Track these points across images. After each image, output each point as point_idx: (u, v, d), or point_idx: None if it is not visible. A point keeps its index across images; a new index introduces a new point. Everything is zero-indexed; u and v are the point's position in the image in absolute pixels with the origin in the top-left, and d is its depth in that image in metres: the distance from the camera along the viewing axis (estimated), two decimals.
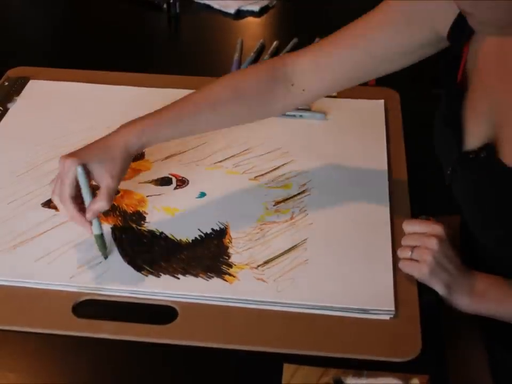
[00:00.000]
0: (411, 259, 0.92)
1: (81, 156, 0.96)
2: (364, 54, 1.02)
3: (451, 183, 0.99)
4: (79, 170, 0.93)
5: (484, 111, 0.93)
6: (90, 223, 0.96)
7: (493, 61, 0.93)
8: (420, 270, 0.91)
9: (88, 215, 0.95)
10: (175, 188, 1.11)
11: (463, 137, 0.95)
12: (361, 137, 1.22)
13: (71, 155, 0.96)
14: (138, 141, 0.98)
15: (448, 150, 0.98)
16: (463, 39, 0.95)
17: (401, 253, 0.94)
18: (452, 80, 1.00)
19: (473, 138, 0.94)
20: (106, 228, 1.03)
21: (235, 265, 0.98)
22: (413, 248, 0.92)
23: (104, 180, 0.95)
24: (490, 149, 0.91)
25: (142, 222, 1.04)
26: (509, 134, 0.90)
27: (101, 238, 0.97)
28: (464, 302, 0.92)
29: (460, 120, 0.96)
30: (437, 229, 0.92)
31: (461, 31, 0.94)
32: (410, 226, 0.95)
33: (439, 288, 0.91)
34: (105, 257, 0.98)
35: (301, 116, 1.26)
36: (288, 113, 1.25)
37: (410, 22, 0.98)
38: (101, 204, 0.95)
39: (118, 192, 1.09)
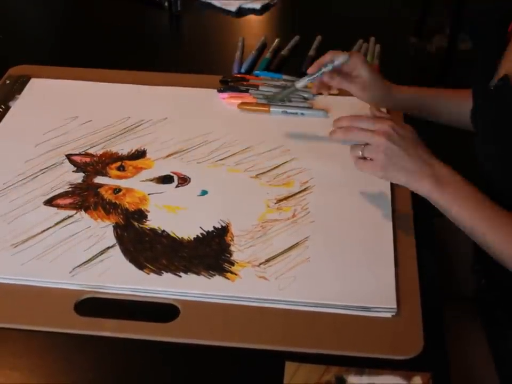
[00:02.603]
0: (364, 158, 0.98)
1: None
2: None
3: (474, 119, 1.05)
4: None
5: None
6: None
7: None
8: (373, 169, 0.98)
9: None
10: (177, 186, 1.11)
11: (493, 73, 1.01)
12: None
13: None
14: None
15: (477, 85, 1.05)
16: None
17: (352, 151, 1.00)
18: (501, 27, 1.04)
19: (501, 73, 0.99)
20: (108, 226, 1.03)
21: (237, 263, 0.98)
22: (364, 146, 0.98)
23: None
24: (506, 78, 0.96)
25: (144, 220, 1.05)
26: None
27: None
28: (425, 187, 0.96)
29: (495, 57, 1.02)
30: (384, 126, 0.97)
31: None
32: (357, 122, 1.00)
33: (398, 181, 0.98)
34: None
35: (302, 113, 1.26)
36: (289, 111, 1.25)
37: None
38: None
39: (119, 190, 1.09)
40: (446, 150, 1.10)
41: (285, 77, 1.36)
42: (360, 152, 0.98)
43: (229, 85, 1.33)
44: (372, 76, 1.16)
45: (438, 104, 1.21)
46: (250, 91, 1.30)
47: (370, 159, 0.98)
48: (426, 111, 1.22)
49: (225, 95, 1.30)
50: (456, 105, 1.20)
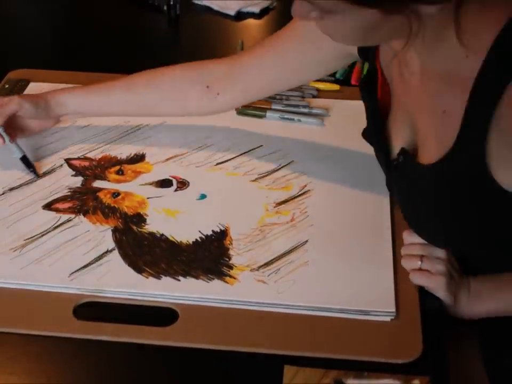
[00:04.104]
0: (420, 269, 0.93)
1: None
2: (274, 64, 1.08)
3: (390, 189, 1.04)
4: None
5: (402, 120, 0.97)
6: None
7: (396, 73, 0.96)
8: (437, 282, 0.91)
9: None
10: (176, 190, 1.11)
11: (389, 147, 0.99)
12: (362, 138, 1.22)
13: None
14: (52, 104, 1.15)
15: (380, 160, 1.03)
16: (371, 53, 1.00)
17: (408, 264, 0.94)
18: (372, 96, 1.02)
19: (397, 146, 0.97)
20: (107, 230, 1.03)
21: (236, 266, 0.98)
22: (420, 257, 0.93)
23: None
24: (405, 153, 0.94)
25: (143, 224, 1.05)
26: (421, 138, 0.93)
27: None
28: (465, 308, 0.93)
29: (383, 133, 1.00)
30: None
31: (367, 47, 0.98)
32: (412, 237, 0.96)
33: (447, 298, 0.92)
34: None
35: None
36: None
37: (315, 40, 1.03)
38: None
39: (118, 194, 1.09)
40: None
41: None
42: (419, 263, 0.93)
43: None
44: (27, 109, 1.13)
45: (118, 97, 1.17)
46: None
47: (427, 271, 0.93)
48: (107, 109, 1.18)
49: None
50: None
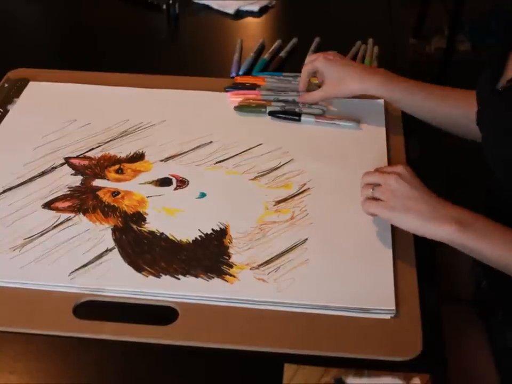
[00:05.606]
0: (374, 198, 0.96)
1: None
2: None
3: (479, 122, 1.03)
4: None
5: None
6: None
7: None
8: (379, 210, 0.95)
9: None
10: (175, 189, 1.11)
11: (500, 75, 1.00)
12: (361, 136, 1.22)
13: None
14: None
15: (484, 88, 1.03)
16: None
17: (363, 192, 0.98)
18: (507, 27, 1.07)
19: (508, 76, 0.98)
20: (107, 229, 1.03)
21: (235, 265, 0.98)
22: (373, 186, 0.96)
23: None
24: None
25: (143, 223, 1.05)
26: None
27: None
28: (446, 230, 0.91)
29: (502, 60, 1.01)
30: (397, 168, 0.96)
31: None
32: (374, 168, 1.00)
33: (408, 224, 0.93)
34: None
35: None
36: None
37: None
38: None
39: (118, 193, 1.09)
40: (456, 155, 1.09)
41: (285, 74, 1.36)
42: (371, 191, 0.96)
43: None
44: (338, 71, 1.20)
45: (444, 105, 1.16)
46: (260, 89, 1.31)
47: (380, 200, 0.95)
48: (429, 111, 1.17)
49: (233, 92, 1.30)
50: (465, 108, 1.13)
